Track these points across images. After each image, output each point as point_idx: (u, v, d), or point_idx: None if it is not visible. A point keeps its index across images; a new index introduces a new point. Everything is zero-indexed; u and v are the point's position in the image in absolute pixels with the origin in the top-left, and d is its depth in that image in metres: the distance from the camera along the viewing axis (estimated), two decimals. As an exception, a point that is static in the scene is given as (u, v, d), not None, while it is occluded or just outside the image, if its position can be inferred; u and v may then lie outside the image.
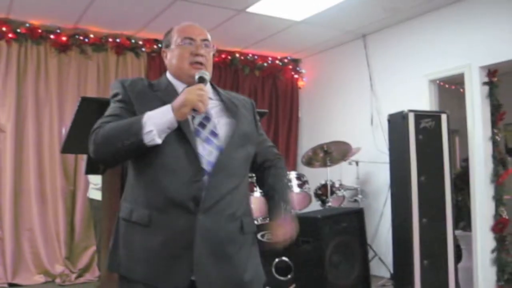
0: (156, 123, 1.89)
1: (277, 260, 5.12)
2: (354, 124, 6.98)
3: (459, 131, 7.24)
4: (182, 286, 1.95)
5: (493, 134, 5.55)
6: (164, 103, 1.97)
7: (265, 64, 7.94)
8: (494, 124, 5.58)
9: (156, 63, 7.13)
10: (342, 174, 6.48)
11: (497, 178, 5.48)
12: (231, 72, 7.74)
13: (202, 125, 2.05)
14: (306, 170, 6.52)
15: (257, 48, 7.59)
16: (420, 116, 5.58)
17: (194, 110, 1.92)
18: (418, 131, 5.50)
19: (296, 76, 8.21)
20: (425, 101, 6.10)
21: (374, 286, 5.62)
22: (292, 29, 6.63)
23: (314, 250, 4.82)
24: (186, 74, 2.12)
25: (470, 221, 5.64)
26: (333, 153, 6.12)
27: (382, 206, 6.29)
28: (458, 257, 5.79)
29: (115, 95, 2.08)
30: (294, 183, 5.82)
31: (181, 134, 1.97)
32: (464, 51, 5.69)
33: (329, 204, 6.10)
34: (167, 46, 2.22)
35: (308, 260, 4.90)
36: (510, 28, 5.25)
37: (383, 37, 6.74)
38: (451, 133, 5.76)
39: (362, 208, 5.48)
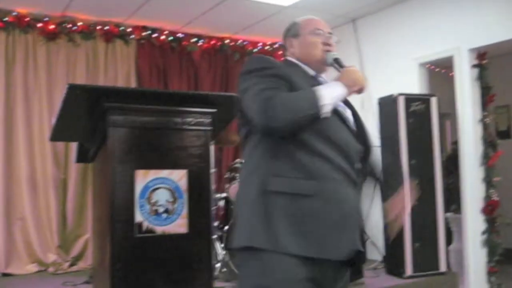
0: (331, 97, 2.06)
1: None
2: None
3: (450, 114, 7.26)
4: (345, 256, 2.04)
5: (483, 116, 5.57)
6: (307, 82, 2.18)
7: (255, 50, 7.90)
8: (483, 106, 5.60)
9: (145, 50, 7.09)
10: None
11: (487, 160, 5.51)
12: (221, 58, 7.69)
13: (343, 107, 2.26)
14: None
15: (247, 33, 7.55)
16: (410, 99, 5.60)
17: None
18: (408, 114, 5.53)
19: (286, 61, 8.16)
20: (415, 85, 6.11)
21: (366, 270, 5.65)
22: (281, 14, 6.60)
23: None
24: (317, 60, 2.33)
25: (461, 204, 5.68)
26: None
27: (373, 189, 6.30)
28: (448, 239, 5.84)
29: (265, 68, 2.14)
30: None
31: (335, 112, 2.13)
32: (453, 34, 5.70)
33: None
34: (295, 35, 2.44)
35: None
36: (499, 10, 5.26)
37: (373, 21, 6.74)
38: (441, 116, 5.78)
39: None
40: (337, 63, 2.29)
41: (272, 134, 2.05)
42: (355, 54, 6.83)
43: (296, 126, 2.02)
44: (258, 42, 7.90)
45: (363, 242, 2.17)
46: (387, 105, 5.69)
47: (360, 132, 2.27)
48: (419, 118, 5.56)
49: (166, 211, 3.05)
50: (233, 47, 7.71)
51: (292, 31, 2.47)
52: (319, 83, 2.20)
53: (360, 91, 2.16)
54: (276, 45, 8.03)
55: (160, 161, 3.10)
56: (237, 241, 2.08)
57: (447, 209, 5.79)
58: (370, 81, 7.13)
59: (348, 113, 2.25)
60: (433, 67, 6.75)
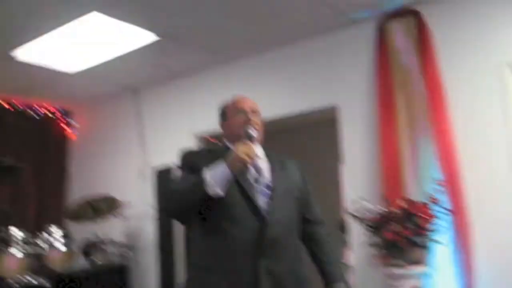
0: (214, 176, 2.25)
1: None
2: (125, 178, 6.90)
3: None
4: None
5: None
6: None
7: (35, 115, 7.50)
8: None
9: None
10: (110, 230, 6.29)
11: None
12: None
13: (257, 180, 2.48)
14: (72, 226, 6.25)
15: (26, 96, 7.17)
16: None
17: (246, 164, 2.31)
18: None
19: (67, 128, 7.88)
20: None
21: None
22: (64, 80, 6.38)
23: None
24: (240, 139, 2.45)
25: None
26: (102, 207, 5.98)
27: (151, 261, 6.26)
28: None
29: (184, 164, 2.58)
30: (60, 241, 5.51)
31: (241, 189, 2.39)
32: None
33: (96, 261, 5.89)
34: (224, 119, 2.71)
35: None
36: (274, 87, 5.69)
37: (154, 93, 6.86)
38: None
39: (127, 264, 5.39)
40: (248, 137, 2.44)
41: (171, 218, 2.59)
42: (137, 124, 6.91)
43: (187, 211, 2.36)
44: (37, 107, 7.49)
45: None
46: (165, 176, 5.80)
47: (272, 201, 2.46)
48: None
49: None
50: (9, 111, 7.22)
51: (223, 116, 2.73)
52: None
53: (245, 164, 2.31)
54: (58, 111, 7.75)
55: None
56: None
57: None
58: (150, 152, 7.15)
59: (261, 185, 2.47)
60: (213, 139, 7.00)
